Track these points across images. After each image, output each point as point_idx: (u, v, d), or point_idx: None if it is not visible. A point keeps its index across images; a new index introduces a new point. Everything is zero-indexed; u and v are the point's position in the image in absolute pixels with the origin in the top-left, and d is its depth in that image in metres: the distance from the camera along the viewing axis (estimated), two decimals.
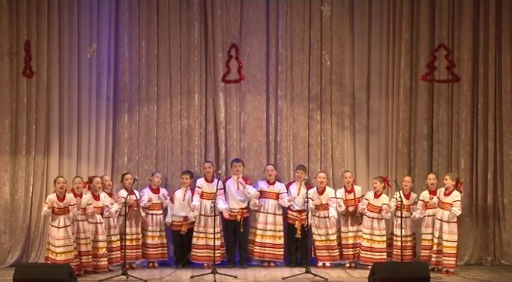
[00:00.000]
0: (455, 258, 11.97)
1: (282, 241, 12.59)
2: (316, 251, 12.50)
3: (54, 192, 11.69)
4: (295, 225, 12.54)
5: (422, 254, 12.22)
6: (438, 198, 12.03)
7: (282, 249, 12.60)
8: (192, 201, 12.47)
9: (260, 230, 12.57)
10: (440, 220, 11.94)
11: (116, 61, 13.05)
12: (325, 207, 12.50)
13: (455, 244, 11.93)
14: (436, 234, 11.95)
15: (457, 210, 11.87)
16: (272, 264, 12.65)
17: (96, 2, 12.90)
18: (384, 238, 12.26)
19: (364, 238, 12.29)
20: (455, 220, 11.98)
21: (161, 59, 13.11)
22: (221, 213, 12.51)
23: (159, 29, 13.09)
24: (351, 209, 12.43)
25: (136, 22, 13.06)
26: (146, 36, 13.08)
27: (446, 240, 11.89)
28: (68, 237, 11.49)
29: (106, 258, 11.96)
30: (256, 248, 12.59)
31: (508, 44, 12.92)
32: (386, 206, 12.20)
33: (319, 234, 12.42)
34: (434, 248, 11.98)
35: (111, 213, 12.06)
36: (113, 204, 12.12)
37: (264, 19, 13.16)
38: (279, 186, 12.72)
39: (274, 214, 12.62)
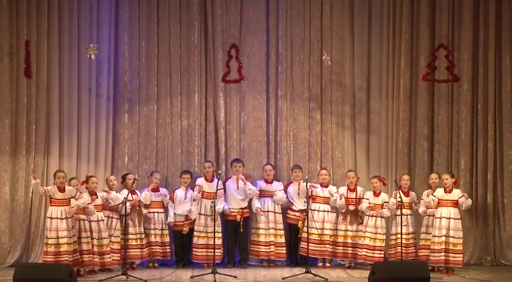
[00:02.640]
0: (462, 255, 12.02)
1: (283, 239, 12.59)
2: (310, 245, 12.41)
3: (54, 184, 11.68)
4: (298, 225, 12.54)
5: (421, 254, 12.23)
6: (437, 197, 12.04)
7: (285, 248, 12.60)
8: (193, 200, 12.48)
9: (263, 229, 12.56)
10: (448, 218, 11.94)
11: (116, 61, 13.05)
12: (327, 201, 12.52)
13: (461, 240, 11.99)
14: (442, 232, 11.92)
15: (469, 200, 12.03)
16: (272, 264, 12.65)
17: (96, 2, 12.90)
18: (379, 236, 12.27)
19: (366, 237, 12.29)
20: (460, 217, 12.03)
21: (161, 59, 13.11)
22: (221, 213, 12.52)
23: (159, 29, 13.09)
24: (351, 207, 12.43)
25: (136, 22, 13.06)
26: (146, 36, 13.09)
27: (453, 237, 11.93)
28: (68, 229, 11.48)
29: (110, 255, 11.96)
30: (262, 248, 12.55)
31: (508, 44, 12.93)
32: (388, 205, 12.25)
33: (315, 228, 12.39)
34: (441, 246, 11.91)
35: (116, 199, 12.00)
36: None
37: (264, 19, 13.17)
38: (276, 185, 12.73)
39: (274, 212, 12.62)
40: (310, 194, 12.28)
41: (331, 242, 12.45)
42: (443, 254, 11.89)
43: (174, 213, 12.56)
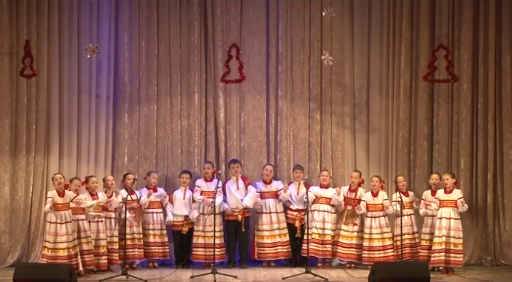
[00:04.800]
0: (462, 255, 12.01)
1: (287, 238, 12.59)
2: (310, 244, 12.41)
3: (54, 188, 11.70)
4: (295, 225, 12.54)
5: (421, 254, 12.23)
6: (439, 199, 12.04)
7: (289, 246, 12.60)
8: (192, 200, 12.48)
9: (267, 231, 12.55)
10: (448, 218, 11.93)
11: (116, 61, 13.06)
12: (327, 201, 12.51)
13: (461, 241, 11.97)
14: (443, 232, 11.93)
15: (466, 206, 11.96)
16: (272, 264, 12.64)
17: (96, 1, 12.89)
18: (385, 235, 12.26)
19: (365, 238, 12.28)
20: (459, 217, 12.03)
21: (161, 59, 13.11)
22: (222, 212, 12.53)
23: (159, 29, 13.09)
24: (349, 207, 12.42)
25: (136, 22, 13.07)
26: (146, 36, 13.09)
27: (454, 237, 11.91)
28: (67, 234, 11.48)
29: (106, 257, 11.95)
30: (267, 250, 12.52)
31: (508, 44, 12.93)
32: (389, 203, 12.24)
33: (316, 228, 12.37)
34: (441, 246, 11.91)
35: (115, 203, 12.00)
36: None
37: (264, 19, 13.17)
38: (276, 185, 12.73)
39: (276, 212, 12.62)
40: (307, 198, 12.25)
41: (332, 242, 12.44)
42: (443, 254, 11.88)
43: (173, 214, 12.56)
